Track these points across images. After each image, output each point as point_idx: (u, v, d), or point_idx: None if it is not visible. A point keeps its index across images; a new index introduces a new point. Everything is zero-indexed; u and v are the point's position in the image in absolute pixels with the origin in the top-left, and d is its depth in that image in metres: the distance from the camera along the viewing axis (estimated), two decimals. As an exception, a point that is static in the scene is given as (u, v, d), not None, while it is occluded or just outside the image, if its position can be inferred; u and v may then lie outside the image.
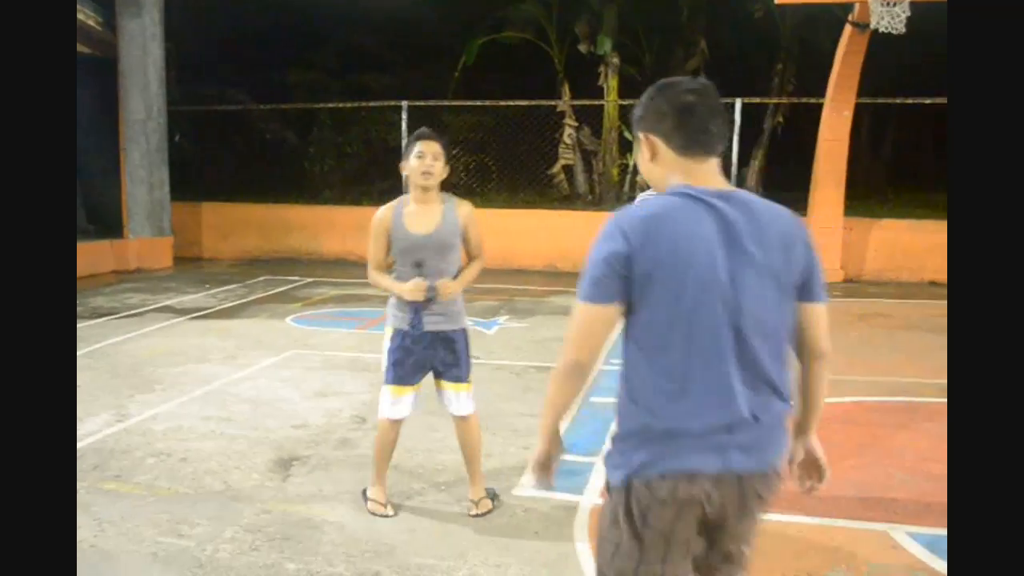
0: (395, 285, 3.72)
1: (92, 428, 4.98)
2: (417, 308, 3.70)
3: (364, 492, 3.99)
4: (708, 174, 1.98)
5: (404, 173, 3.79)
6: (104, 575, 3.29)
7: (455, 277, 3.78)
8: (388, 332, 3.84)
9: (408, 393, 3.82)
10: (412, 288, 3.65)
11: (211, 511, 3.87)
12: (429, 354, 3.77)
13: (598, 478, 4.25)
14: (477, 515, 3.84)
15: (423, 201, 3.75)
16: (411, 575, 3.29)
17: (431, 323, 3.74)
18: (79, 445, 4.69)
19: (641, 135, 2.05)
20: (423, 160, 3.67)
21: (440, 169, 3.70)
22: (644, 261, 1.87)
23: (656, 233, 1.88)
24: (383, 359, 3.85)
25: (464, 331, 3.86)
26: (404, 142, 12.14)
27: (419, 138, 3.72)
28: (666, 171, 2.01)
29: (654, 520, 1.93)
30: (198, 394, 5.74)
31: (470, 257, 3.91)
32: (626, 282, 1.89)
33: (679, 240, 1.88)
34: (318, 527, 3.71)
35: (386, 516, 3.84)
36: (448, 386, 3.84)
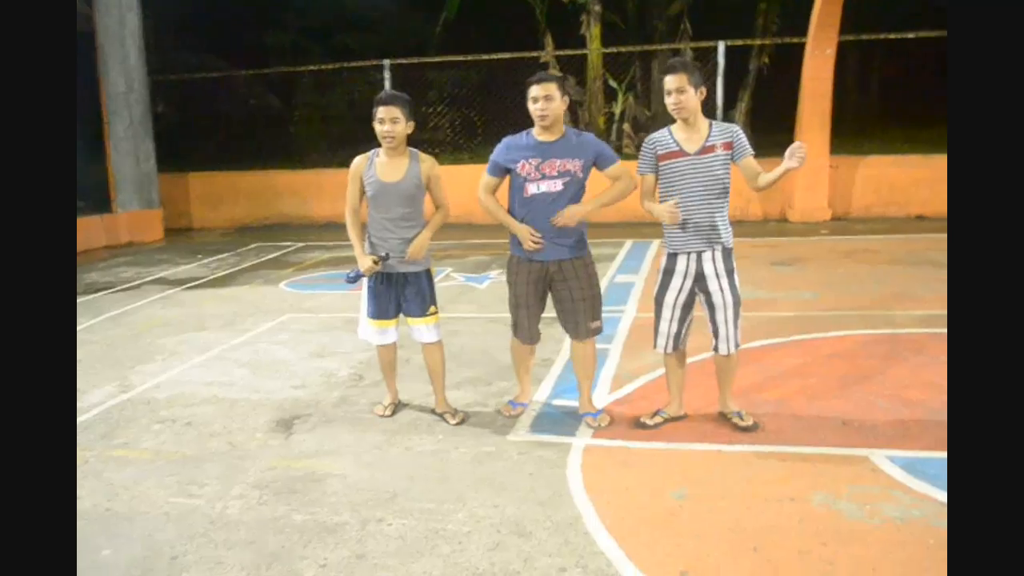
0: (358, 248, 4.37)
1: (97, 399, 5.14)
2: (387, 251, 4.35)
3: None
4: None
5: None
6: (122, 536, 3.45)
7: (414, 226, 4.36)
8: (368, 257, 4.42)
9: (390, 326, 4.50)
10: (369, 267, 4.29)
11: (218, 471, 4.04)
12: (397, 290, 4.40)
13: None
14: (459, 423, 4.49)
15: (392, 155, 4.31)
16: (413, 519, 3.46)
17: (398, 265, 4.36)
18: (85, 416, 4.85)
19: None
20: (383, 125, 4.21)
21: (401, 129, 4.22)
22: None
23: None
24: (363, 300, 4.53)
25: (427, 271, 4.46)
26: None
27: (377, 103, 4.23)
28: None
29: None
30: (198, 361, 5.89)
31: (435, 207, 4.47)
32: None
33: None
34: (322, 480, 3.88)
35: (384, 416, 4.61)
36: (412, 321, 4.47)
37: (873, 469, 3.72)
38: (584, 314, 4.29)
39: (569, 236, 4.17)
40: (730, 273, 4.05)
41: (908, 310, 6.37)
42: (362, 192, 4.36)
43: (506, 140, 4.26)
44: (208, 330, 6.78)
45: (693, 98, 3.90)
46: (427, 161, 4.36)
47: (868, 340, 5.66)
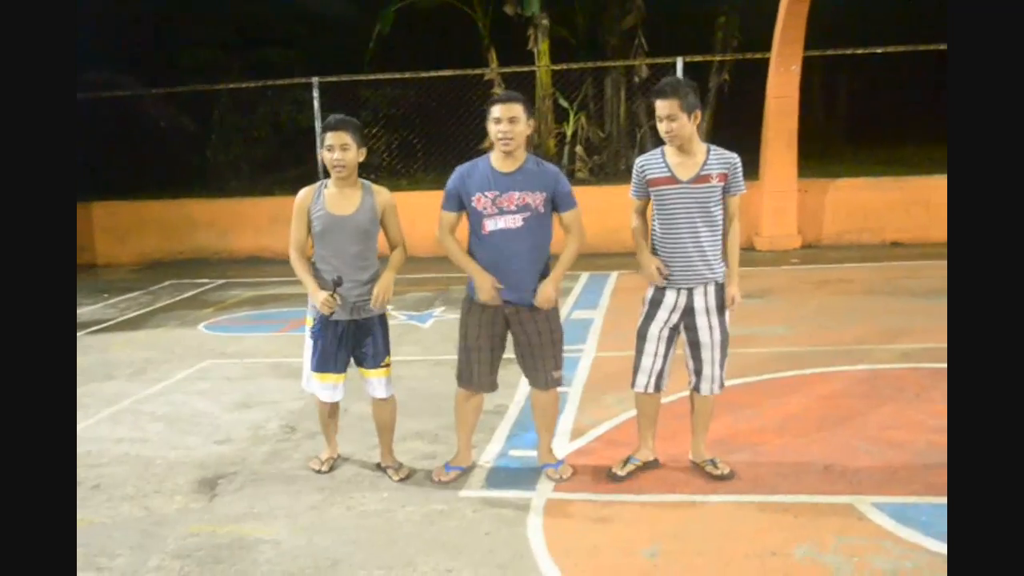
0: (311, 284, 4.23)
1: (-11, 460, 4.96)
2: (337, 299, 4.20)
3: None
4: None
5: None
6: (19, 616, 3.33)
7: (368, 267, 4.27)
8: (309, 321, 4.38)
9: (340, 380, 4.41)
10: (324, 301, 4.13)
11: (132, 539, 3.92)
12: (348, 339, 4.33)
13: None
14: (401, 479, 4.44)
15: (342, 186, 4.25)
16: (357, 588, 3.41)
17: (346, 313, 4.26)
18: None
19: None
20: (332, 153, 4.15)
21: (352, 157, 4.17)
22: None
23: None
24: (306, 346, 4.40)
25: (383, 316, 4.39)
26: (317, 122, 12.14)
27: (326, 128, 4.20)
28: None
29: None
30: (106, 415, 5.74)
31: (391, 246, 4.36)
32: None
33: None
34: (252, 547, 3.80)
35: (320, 472, 4.55)
36: (365, 372, 4.43)
37: (859, 517, 3.78)
38: (546, 361, 4.26)
39: (533, 280, 4.13)
40: (721, 310, 4.10)
41: (887, 344, 6.53)
42: (308, 229, 4.27)
43: (460, 169, 4.21)
44: (117, 379, 6.62)
45: (687, 125, 3.92)
46: (382, 193, 4.31)
47: (846, 378, 5.77)
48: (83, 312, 9.54)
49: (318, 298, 4.15)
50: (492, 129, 4.05)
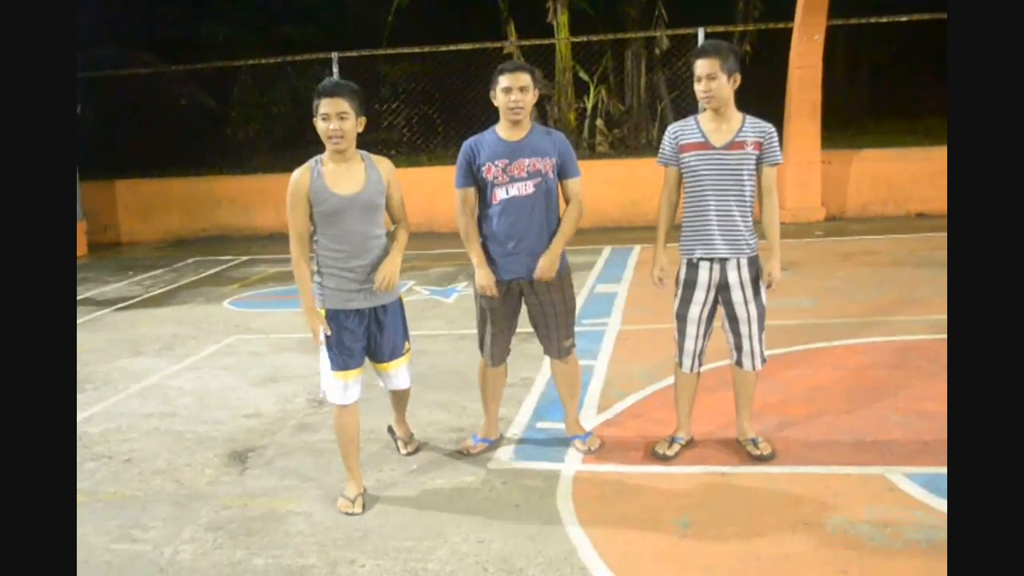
0: (309, 305, 3.83)
1: (22, 435, 5.02)
2: (350, 285, 3.83)
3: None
4: None
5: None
6: (56, 587, 3.36)
7: (381, 246, 3.88)
8: (320, 314, 3.89)
9: (356, 375, 3.92)
10: (316, 331, 3.82)
11: (165, 512, 3.96)
12: (368, 329, 3.95)
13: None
14: (409, 453, 4.43)
15: (340, 160, 3.80)
16: (389, 559, 3.42)
17: (364, 300, 3.88)
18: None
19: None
20: (327, 122, 3.69)
21: (351, 127, 3.72)
22: None
23: None
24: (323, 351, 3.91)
25: (397, 300, 4.05)
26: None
27: (320, 95, 3.71)
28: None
29: None
30: (135, 390, 5.79)
31: (394, 221, 4.04)
32: None
33: None
34: (283, 519, 3.82)
35: (352, 514, 3.84)
36: (388, 366, 4.08)
37: (891, 488, 3.75)
38: (558, 330, 4.25)
39: (545, 247, 4.10)
40: (755, 282, 4.01)
41: (916, 315, 6.47)
42: (309, 217, 3.81)
43: (467, 143, 4.17)
44: (144, 355, 6.68)
45: (725, 86, 3.84)
46: (385, 163, 3.92)
47: (875, 349, 5.73)
48: (108, 290, 9.60)
49: (314, 324, 3.82)
50: (501, 99, 4.03)
